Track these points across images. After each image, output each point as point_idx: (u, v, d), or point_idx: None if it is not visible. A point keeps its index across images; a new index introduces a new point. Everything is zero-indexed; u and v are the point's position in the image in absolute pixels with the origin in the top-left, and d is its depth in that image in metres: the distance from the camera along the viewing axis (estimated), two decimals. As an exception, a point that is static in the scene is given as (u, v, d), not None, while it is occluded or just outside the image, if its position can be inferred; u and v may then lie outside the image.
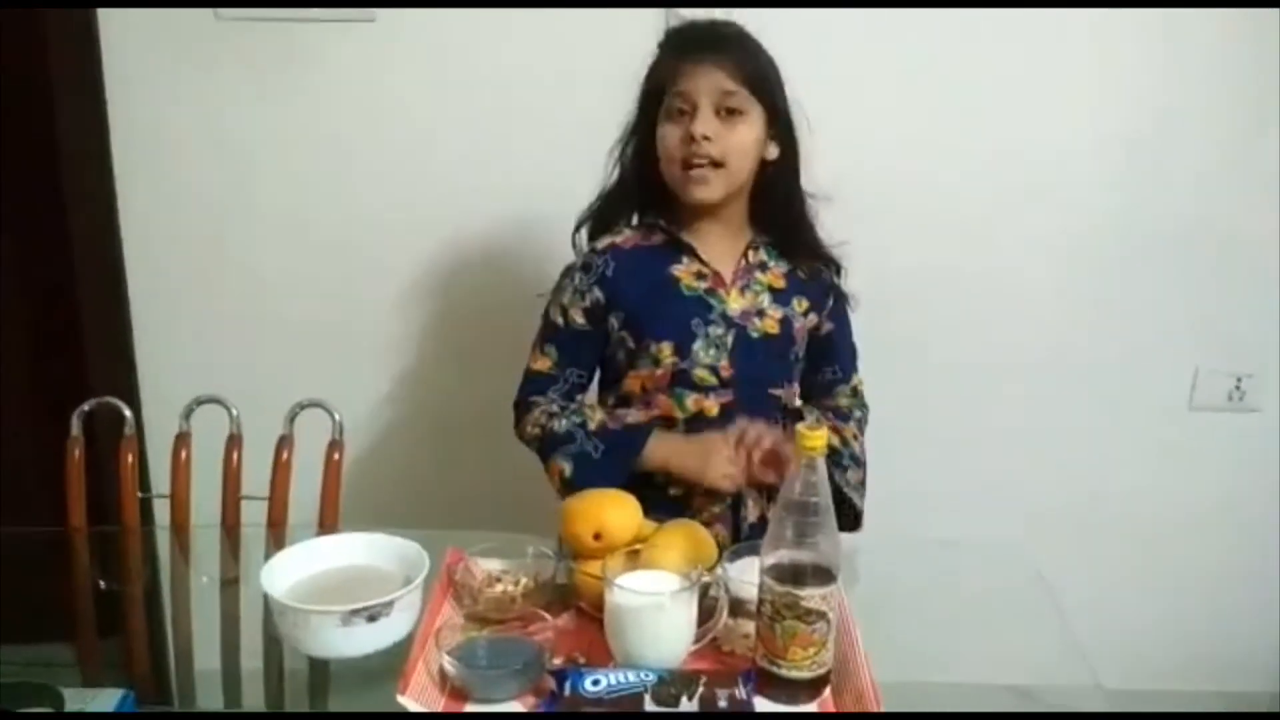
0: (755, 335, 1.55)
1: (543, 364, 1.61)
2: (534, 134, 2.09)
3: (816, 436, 1.09)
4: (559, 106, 2.06)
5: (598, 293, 1.56)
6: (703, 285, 1.55)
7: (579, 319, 1.57)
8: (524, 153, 2.10)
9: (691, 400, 1.54)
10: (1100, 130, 2.13)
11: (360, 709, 1.24)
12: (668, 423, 1.55)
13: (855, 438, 1.62)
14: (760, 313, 1.56)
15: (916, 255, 2.15)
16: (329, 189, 2.15)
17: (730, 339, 1.54)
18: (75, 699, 1.09)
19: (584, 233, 1.63)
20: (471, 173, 2.13)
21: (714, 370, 1.53)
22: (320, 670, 1.26)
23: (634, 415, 1.58)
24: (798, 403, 1.67)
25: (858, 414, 1.68)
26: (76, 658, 1.37)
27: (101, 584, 1.56)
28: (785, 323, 1.57)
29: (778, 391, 1.59)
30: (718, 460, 1.47)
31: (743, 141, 1.48)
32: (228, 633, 1.45)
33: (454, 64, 2.08)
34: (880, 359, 2.11)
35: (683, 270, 1.55)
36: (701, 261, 1.55)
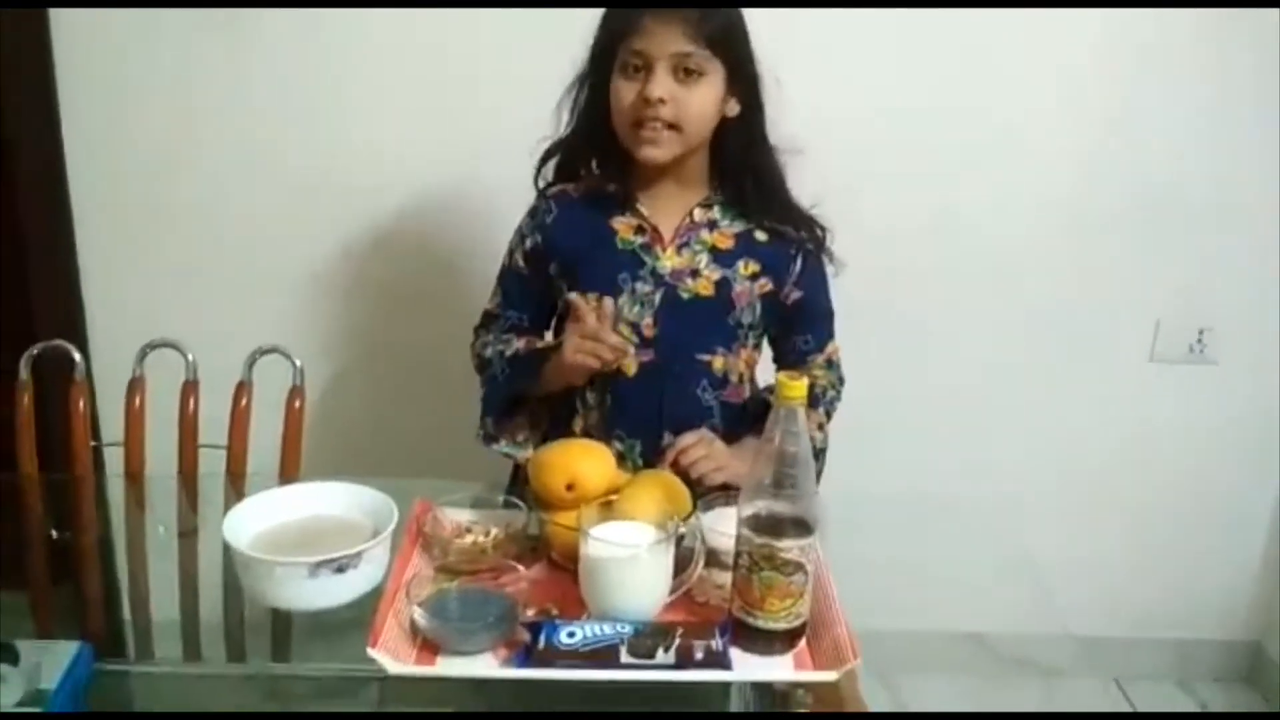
0: (685, 296, 1.50)
1: (492, 303, 1.63)
2: (490, 83, 2.05)
3: (797, 386, 1.07)
4: (517, 59, 2.01)
5: (537, 237, 1.55)
6: (639, 240, 1.51)
7: (520, 261, 1.58)
8: (482, 100, 2.05)
9: None
10: (1070, 89, 2.12)
11: (325, 662, 1.22)
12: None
13: (820, 427, 1.58)
14: (694, 273, 1.50)
15: (884, 214, 2.12)
16: (287, 129, 2.09)
17: (658, 297, 1.49)
18: (30, 652, 1.05)
19: (550, 168, 1.58)
20: (432, 114, 2.08)
21: (636, 328, 1.49)
22: (283, 622, 1.24)
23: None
24: (752, 374, 1.62)
25: (830, 393, 1.62)
26: (29, 607, 1.33)
27: (54, 533, 1.52)
28: (722, 285, 1.51)
29: (705, 357, 1.53)
30: (568, 345, 1.43)
31: (701, 103, 1.43)
32: (186, 584, 1.42)
33: (420, 12, 2.02)
34: (845, 318, 2.10)
35: (622, 223, 1.51)
36: (642, 216, 1.51)
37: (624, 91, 1.42)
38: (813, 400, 1.59)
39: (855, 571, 1.27)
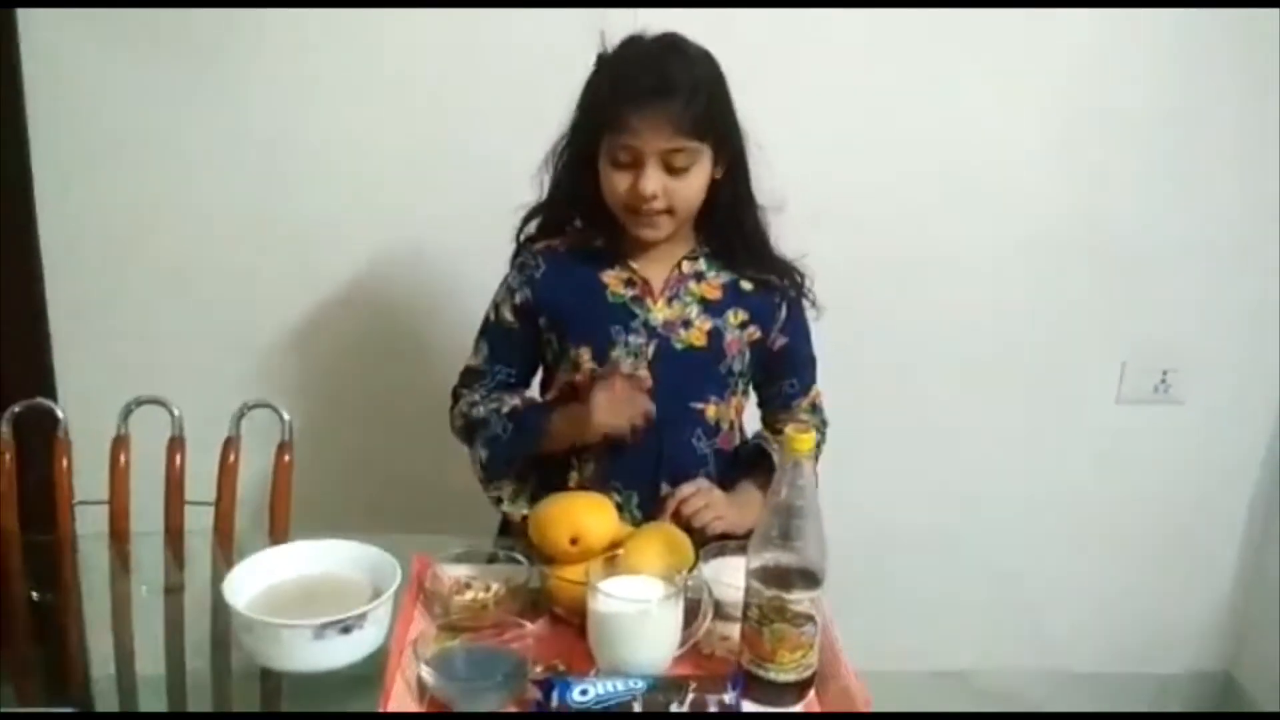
0: (679, 347, 1.51)
1: (476, 359, 1.60)
2: (477, 128, 2.05)
3: (805, 439, 1.08)
4: (501, 101, 2.02)
5: (526, 292, 1.54)
6: (629, 293, 1.52)
7: (509, 316, 1.56)
8: (468, 146, 2.05)
9: None
10: (1037, 131, 2.16)
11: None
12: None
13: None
14: (687, 323, 1.52)
15: (852, 254, 2.12)
16: (270, 182, 2.07)
17: (651, 349, 1.50)
18: (15, 721, 1.03)
19: (531, 226, 1.58)
20: (416, 166, 2.08)
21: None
22: (273, 682, 1.22)
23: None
24: (740, 421, 1.63)
25: (816, 436, 1.63)
26: (9, 672, 1.29)
27: (34, 595, 1.48)
28: (714, 335, 1.52)
29: (700, 406, 1.54)
30: (599, 406, 1.43)
31: (693, 189, 1.45)
32: (172, 645, 1.38)
33: (392, 57, 2.03)
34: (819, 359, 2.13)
35: (611, 276, 1.52)
36: (631, 269, 1.52)
37: (616, 181, 1.43)
38: None
39: (844, 612, 1.25)
